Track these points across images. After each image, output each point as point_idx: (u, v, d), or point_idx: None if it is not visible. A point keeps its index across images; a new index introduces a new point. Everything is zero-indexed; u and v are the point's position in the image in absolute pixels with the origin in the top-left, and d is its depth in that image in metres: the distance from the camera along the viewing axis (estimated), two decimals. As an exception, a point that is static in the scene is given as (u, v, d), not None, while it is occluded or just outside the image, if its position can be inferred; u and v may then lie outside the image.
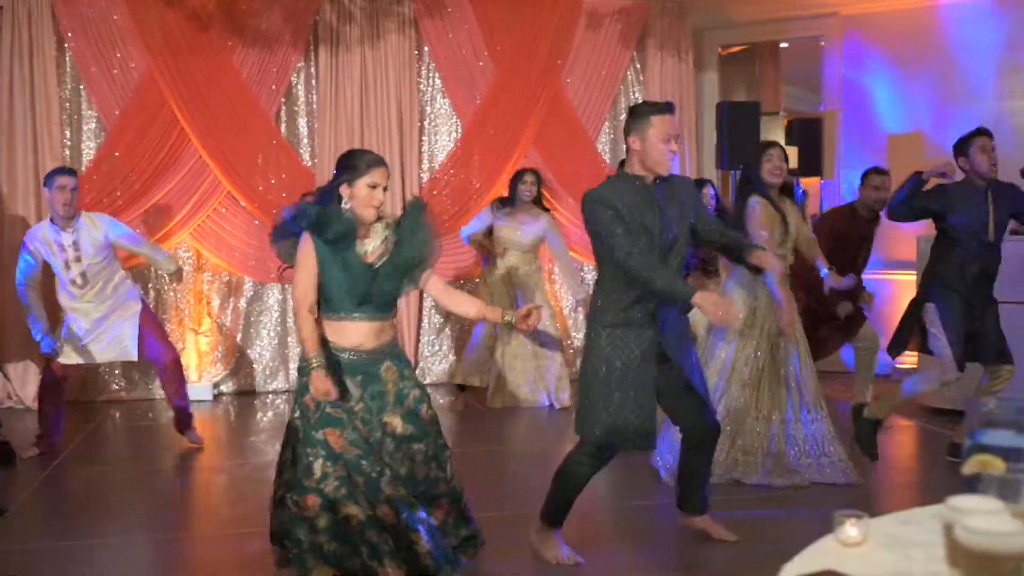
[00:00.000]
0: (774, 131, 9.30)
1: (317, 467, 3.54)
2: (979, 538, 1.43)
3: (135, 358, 5.95)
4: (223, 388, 7.73)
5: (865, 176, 6.27)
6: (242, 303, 7.81)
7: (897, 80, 8.27)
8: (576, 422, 3.91)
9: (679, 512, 4.25)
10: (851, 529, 1.80)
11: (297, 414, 3.67)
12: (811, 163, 8.56)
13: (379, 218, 3.69)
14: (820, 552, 1.75)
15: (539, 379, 7.12)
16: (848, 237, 6.11)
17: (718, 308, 3.61)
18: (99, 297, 5.78)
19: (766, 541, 4.12)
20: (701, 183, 6.41)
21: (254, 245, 7.65)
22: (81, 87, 7.49)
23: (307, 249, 3.60)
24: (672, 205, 3.86)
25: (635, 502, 4.88)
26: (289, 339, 7.83)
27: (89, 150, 7.52)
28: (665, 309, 3.82)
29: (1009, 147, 7.73)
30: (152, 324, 5.98)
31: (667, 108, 3.89)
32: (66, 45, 7.41)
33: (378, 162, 3.69)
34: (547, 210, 7.24)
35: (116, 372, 7.54)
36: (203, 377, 7.67)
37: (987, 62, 7.89)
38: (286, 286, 7.68)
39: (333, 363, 3.62)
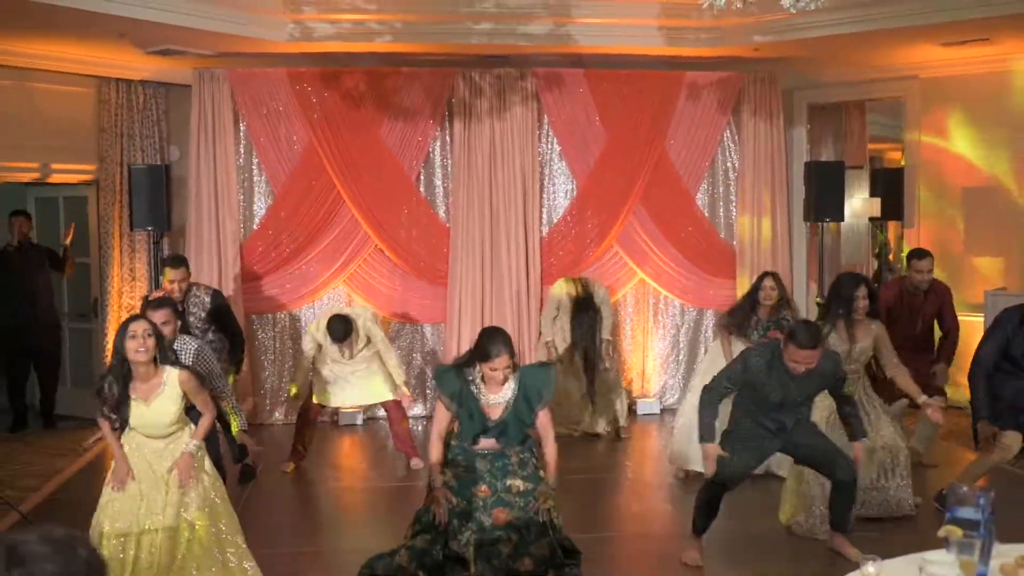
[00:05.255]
0: (859, 184, 10.15)
1: None
2: (931, 580, 2.48)
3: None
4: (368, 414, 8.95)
5: (909, 259, 7.12)
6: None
7: (973, 137, 9.07)
8: None
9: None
10: (871, 568, 2.85)
11: None
12: (893, 210, 9.46)
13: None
14: (849, 582, 2.80)
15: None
16: (899, 313, 7.00)
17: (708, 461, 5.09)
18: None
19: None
20: None
21: (397, 290, 8.89)
22: (253, 156, 8.80)
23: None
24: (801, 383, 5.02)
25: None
26: (427, 371, 9.02)
27: (260, 209, 8.83)
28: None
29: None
30: None
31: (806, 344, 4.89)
32: (241, 123, 8.74)
33: (500, 352, 4.70)
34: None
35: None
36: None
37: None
38: (420, 326, 9.00)
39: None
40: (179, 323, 5.57)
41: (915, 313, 7.09)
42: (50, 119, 8.45)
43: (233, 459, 6.78)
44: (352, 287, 8.90)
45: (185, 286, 5.75)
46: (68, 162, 8.69)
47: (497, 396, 4.76)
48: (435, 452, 4.91)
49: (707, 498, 5.28)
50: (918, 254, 7.10)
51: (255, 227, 8.81)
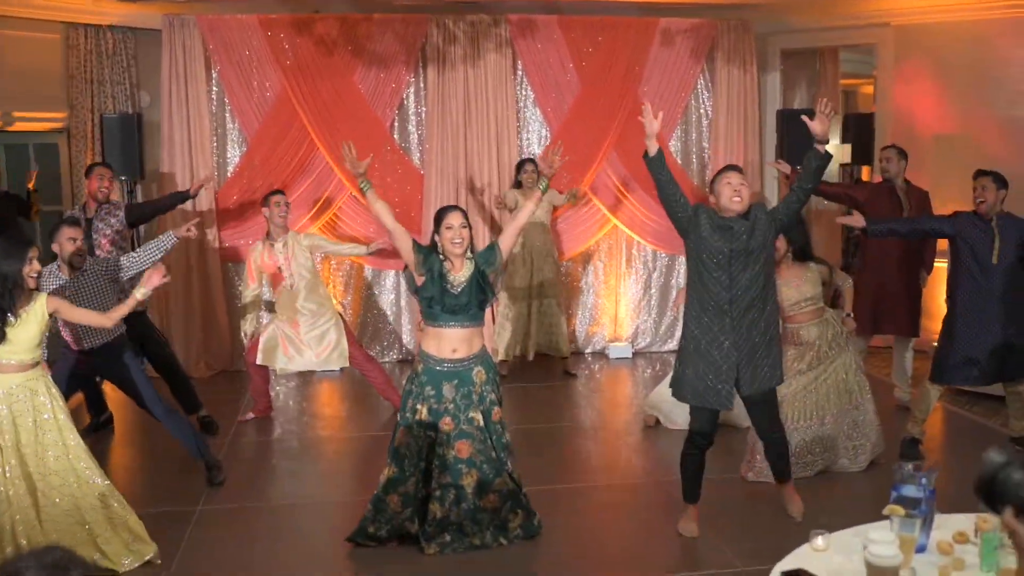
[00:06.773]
0: (831, 129, 10.18)
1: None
2: (872, 558, 2.62)
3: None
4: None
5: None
6: (362, 287, 9.14)
7: (943, 85, 9.13)
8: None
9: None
10: (819, 540, 2.99)
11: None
12: (864, 156, 9.56)
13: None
14: (799, 556, 2.95)
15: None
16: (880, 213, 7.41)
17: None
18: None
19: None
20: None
21: (372, 238, 8.91)
22: (226, 103, 8.77)
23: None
24: (748, 229, 4.72)
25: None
26: (403, 317, 9.15)
27: (234, 157, 8.83)
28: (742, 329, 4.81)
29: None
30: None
31: (728, 169, 4.90)
32: (213, 69, 8.68)
33: (452, 210, 4.95)
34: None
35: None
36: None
37: (1025, 72, 8.72)
38: (399, 272, 9.02)
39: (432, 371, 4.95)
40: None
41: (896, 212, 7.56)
42: (16, 66, 8.35)
43: (186, 412, 6.85)
44: (326, 234, 8.93)
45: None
46: (37, 110, 8.62)
47: (459, 275, 4.91)
48: (381, 206, 5.09)
49: (689, 461, 5.11)
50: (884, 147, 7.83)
51: (229, 174, 8.81)
